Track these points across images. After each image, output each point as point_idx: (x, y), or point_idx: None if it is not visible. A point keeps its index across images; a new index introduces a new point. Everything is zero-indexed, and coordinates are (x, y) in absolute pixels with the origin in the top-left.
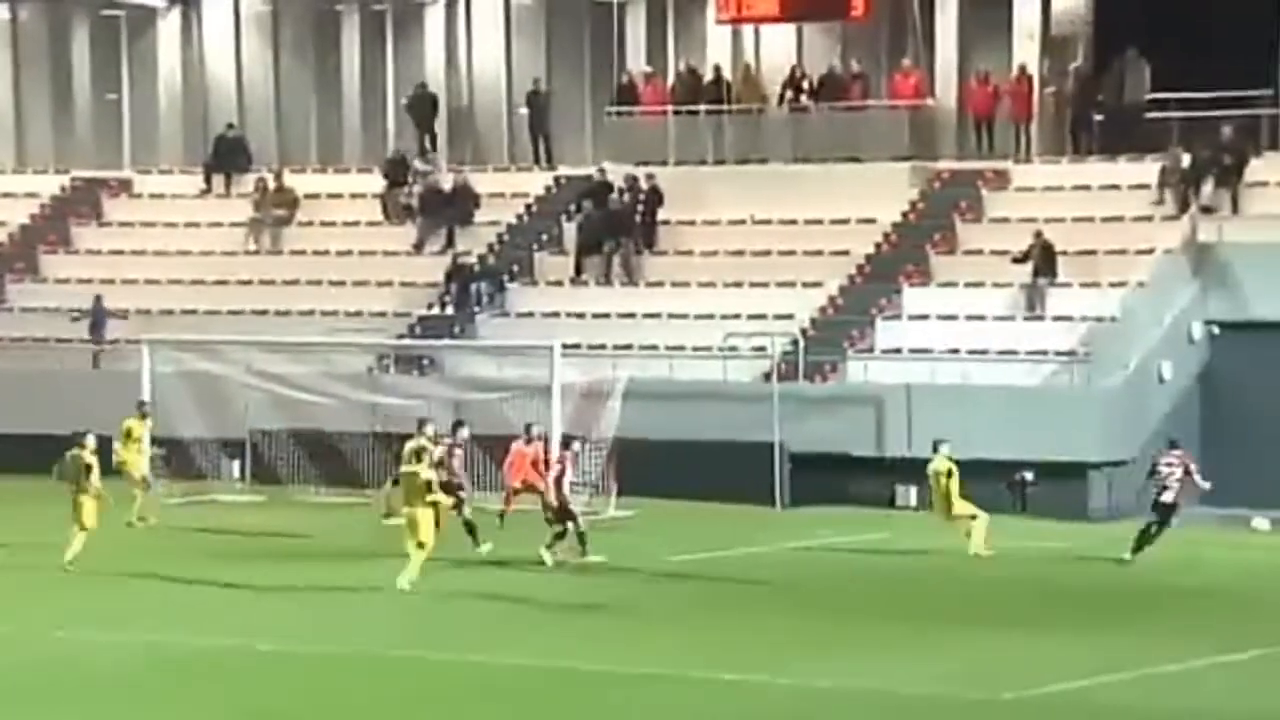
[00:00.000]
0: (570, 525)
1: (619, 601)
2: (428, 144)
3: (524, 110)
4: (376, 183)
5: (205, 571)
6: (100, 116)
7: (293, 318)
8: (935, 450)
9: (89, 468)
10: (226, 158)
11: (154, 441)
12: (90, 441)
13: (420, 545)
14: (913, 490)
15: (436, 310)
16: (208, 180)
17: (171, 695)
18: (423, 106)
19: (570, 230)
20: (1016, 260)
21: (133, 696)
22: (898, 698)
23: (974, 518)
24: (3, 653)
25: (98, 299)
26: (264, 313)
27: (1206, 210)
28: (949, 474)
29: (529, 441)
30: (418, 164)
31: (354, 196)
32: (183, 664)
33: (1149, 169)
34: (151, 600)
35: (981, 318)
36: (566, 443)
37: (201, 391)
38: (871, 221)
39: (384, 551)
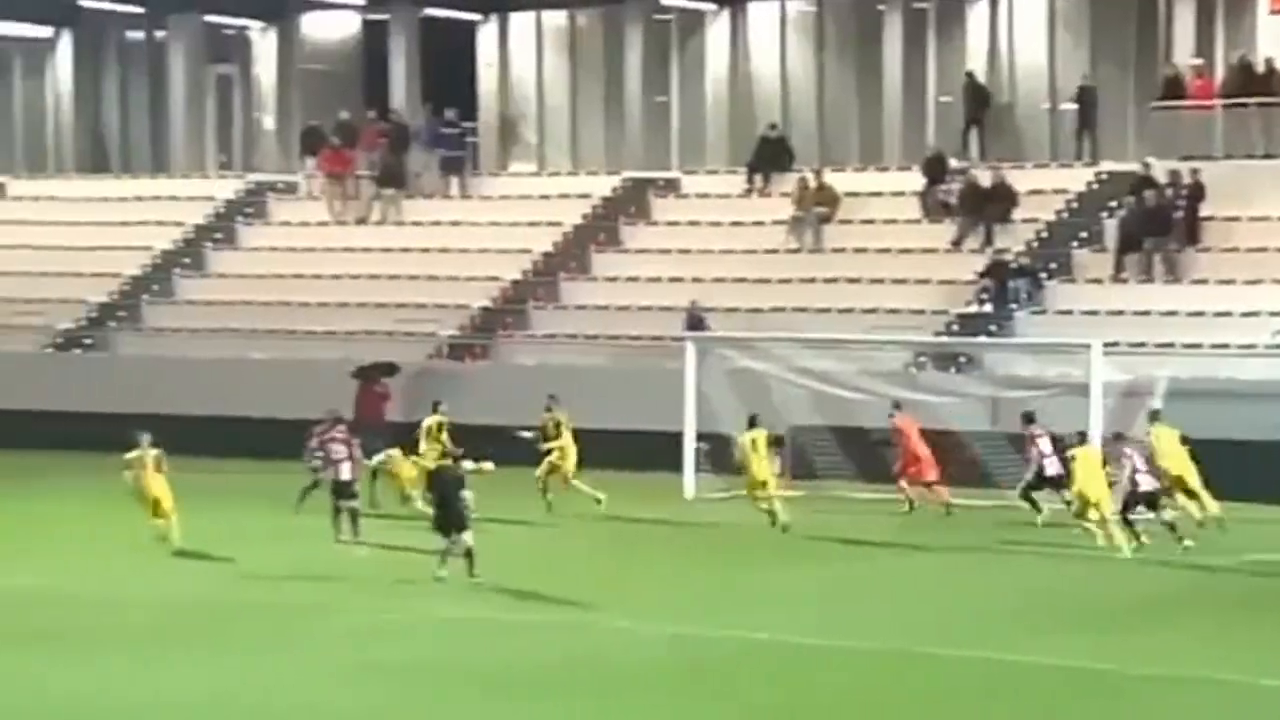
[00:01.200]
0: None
1: (1159, 600)
2: (973, 136)
3: (1070, 105)
4: (916, 180)
5: (737, 564)
6: (650, 118)
7: (832, 315)
8: None
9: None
10: (769, 157)
11: (698, 436)
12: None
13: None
14: None
15: (974, 308)
16: (750, 180)
17: (687, 689)
18: (972, 96)
19: (1111, 227)
20: None
21: (649, 688)
22: None
23: None
24: (535, 643)
25: (694, 303)
26: (804, 310)
27: None
28: None
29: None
30: (953, 162)
31: (893, 194)
32: (707, 655)
33: None
34: (678, 591)
35: None
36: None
37: (744, 388)
38: None
39: (910, 546)
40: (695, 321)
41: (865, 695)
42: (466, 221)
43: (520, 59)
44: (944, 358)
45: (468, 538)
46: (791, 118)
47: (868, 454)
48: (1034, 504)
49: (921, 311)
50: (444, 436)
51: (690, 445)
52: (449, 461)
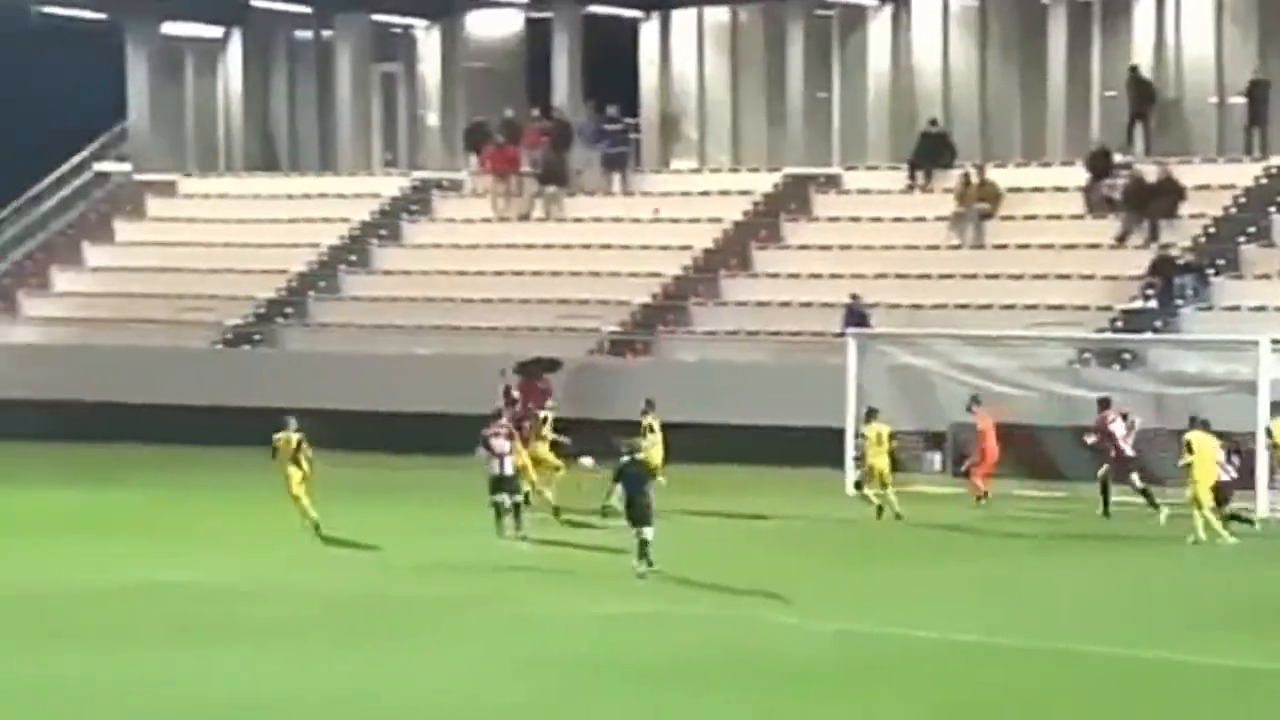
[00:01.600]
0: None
1: None
2: (1138, 130)
3: (1239, 99)
4: (1080, 176)
5: (899, 560)
6: (811, 114)
7: (994, 312)
8: None
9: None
10: (930, 153)
11: (858, 435)
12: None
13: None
14: None
15: (1139, 304)
16: (912, 176)
17: (858, 684)
18: (1136, 90)
19: (1279, 222)
20: None
21: (816, 684)
22: None
23: None
24: (698, 637)
25: (854, 296)
26: (965, 307)
27: None
28: None
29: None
30: (1118, 157)
31: (1057, 190)
32: (871, 652)
33: None
34: (840, 587)
35: None
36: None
37: (904, 384)
38: None
39: (1071, 541)
40: (855, 314)
41: (1031, 694)
42: (628, 218)
43: (682, 55)
44: (1108, 354)
45: (648, 533)
46: (953, 113)
47: (1028, 450)
48: (1150, 498)
49: (1085, 308)
50: (548, 432)
51: (851, 441)
52: (639, 455)
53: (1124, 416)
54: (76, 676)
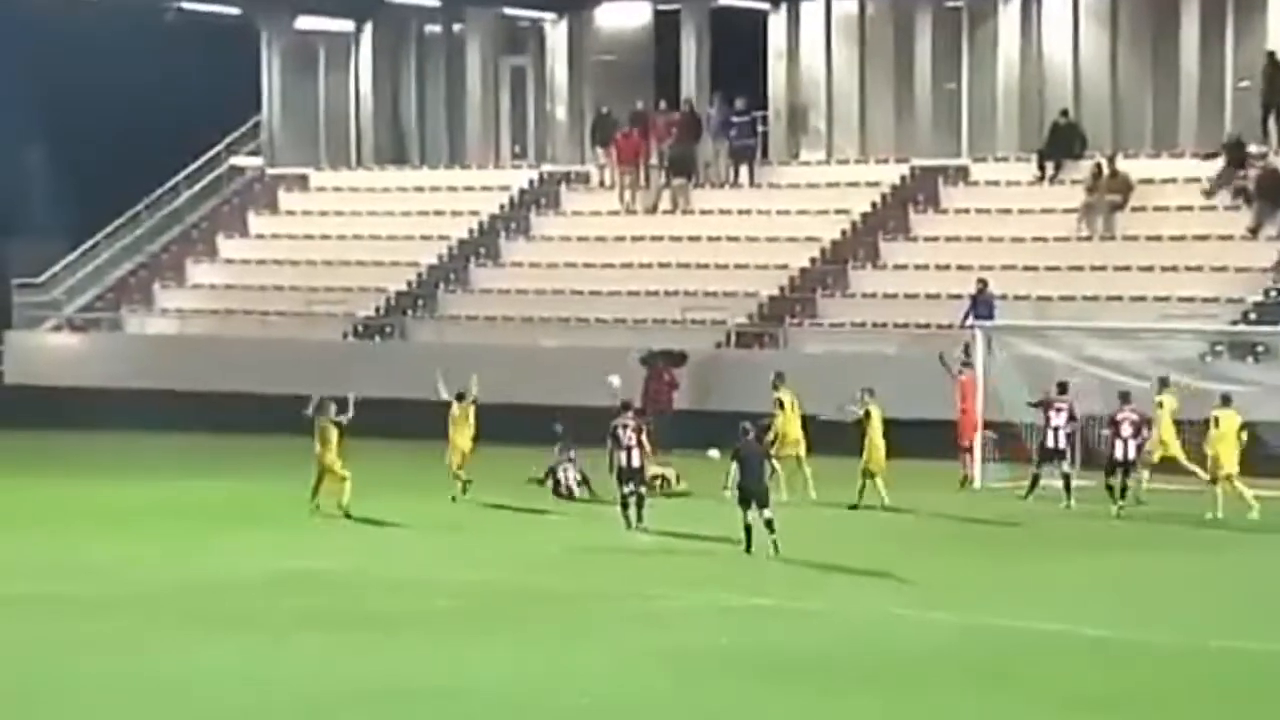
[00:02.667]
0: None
1: None
2: (1272, 119)
3: None
4: (1212, 167)
5: (1025, 554)
6: (940, 105)
7: (1124, 304)
8: None
9: None
10: (1060, 145)
11: (985, 425)
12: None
13: None
14: None
15: (1272, 296)
16: (1041, 167)
17: (984, 678)
18: (1271, 80)
19: None
20: None
21: (945, 677)
22: None
23: None
24: (821, 630)
25: (981, 282)
26: (1095, 299)
27: None
28: None
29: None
30: (1251, 148)
31: (1188, 181)
32: (999, 646)
33: None
34: (965, 580)
35: None
36: None
37: (1032, 376)
38: None
39: (1197, 534)
40: (982, 302)
41: (1160, 690)
42: (755, 210)
43: (810, 47)
44: (1240, 346)
45: (768, 513)
46: (1083, 103)
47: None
48: (1034, 485)
49: (1216, 300)
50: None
51: (979, 433)
52: (752, 437)
53: (1070, 409)
54: (216, 667)
